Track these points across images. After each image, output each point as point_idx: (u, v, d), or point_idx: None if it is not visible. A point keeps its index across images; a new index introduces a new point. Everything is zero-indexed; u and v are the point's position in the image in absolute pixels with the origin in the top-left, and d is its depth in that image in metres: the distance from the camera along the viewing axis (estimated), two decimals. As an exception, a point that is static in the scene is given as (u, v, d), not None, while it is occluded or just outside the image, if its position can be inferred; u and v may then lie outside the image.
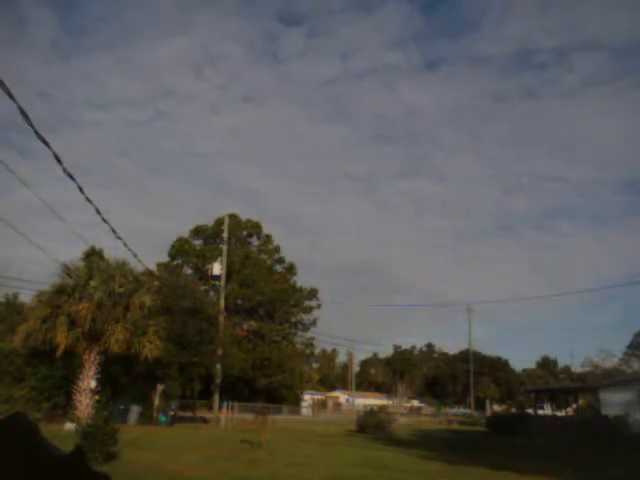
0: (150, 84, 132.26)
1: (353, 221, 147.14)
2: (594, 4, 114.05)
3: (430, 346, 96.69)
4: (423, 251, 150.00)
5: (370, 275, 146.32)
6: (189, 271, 52.05)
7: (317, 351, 79.74)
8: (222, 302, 36.72)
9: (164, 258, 52.41)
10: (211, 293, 46.90)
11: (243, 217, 55.82)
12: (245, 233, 56.13)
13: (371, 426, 30.32)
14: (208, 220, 54.72)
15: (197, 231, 54.55)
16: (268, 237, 56.83)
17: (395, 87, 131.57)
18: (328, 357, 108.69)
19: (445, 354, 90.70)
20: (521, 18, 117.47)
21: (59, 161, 10.06)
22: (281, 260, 57.03)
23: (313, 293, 56.43)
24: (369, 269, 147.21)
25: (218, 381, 34.11)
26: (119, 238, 16.06)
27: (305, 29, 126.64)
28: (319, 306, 56.61)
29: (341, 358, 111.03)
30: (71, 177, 10.96)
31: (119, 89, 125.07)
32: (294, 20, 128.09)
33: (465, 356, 75.74)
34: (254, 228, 56.36)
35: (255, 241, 57.14)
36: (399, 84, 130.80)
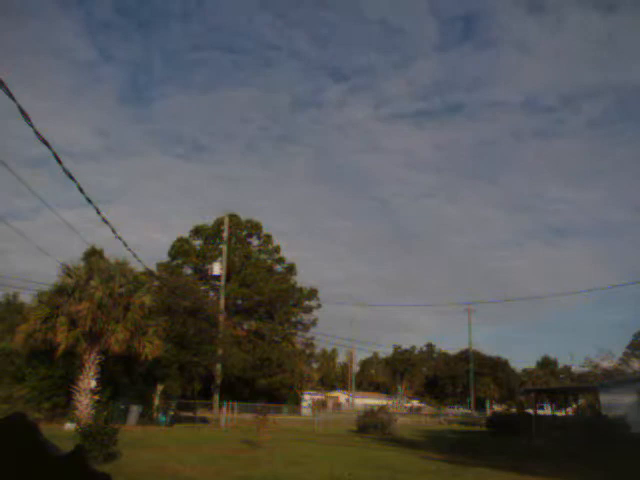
0: (196, 124, 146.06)
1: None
2: (596, 58, 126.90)
3: (430, 346, 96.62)
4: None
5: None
6: (189, 271, 52.04)
7: (317, 351, 79.79)
8: (222, 302, 36.75)
9: (164, 258, 52.49)
10: (211, 293, 46.90)
11: (243, 217, 55.88)
12: (245, 233, 56.14)
13: (371, 426, 30.29)
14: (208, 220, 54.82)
15: (197, 231, 54.55)
16: (268, 237, 56.84)
17: (422, 126, 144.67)
18: (328, 357, 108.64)
19: (445, 354, 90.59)
20: (532, 72, 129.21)
21: (59, 161, 10.06)
22: (281, 260, 57.04)
23: (313, 293, 56.44)
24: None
25: (218, 381, 34.13)
26: (119, 238, 16.05)
27: (349, 84, 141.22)
28: (319, 306, 56.69)
29: (341, 358, 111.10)
30: (71, 177, 10.95)
31: (165, 128, 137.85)
32: (342, 76, 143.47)
33: (465, 356, 75.69)
34: (254, 228, 56.35)
35: (255, 241, 57.19)
36: (426, 124, 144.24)
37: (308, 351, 62.62)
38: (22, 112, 8.23)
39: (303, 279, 63.29)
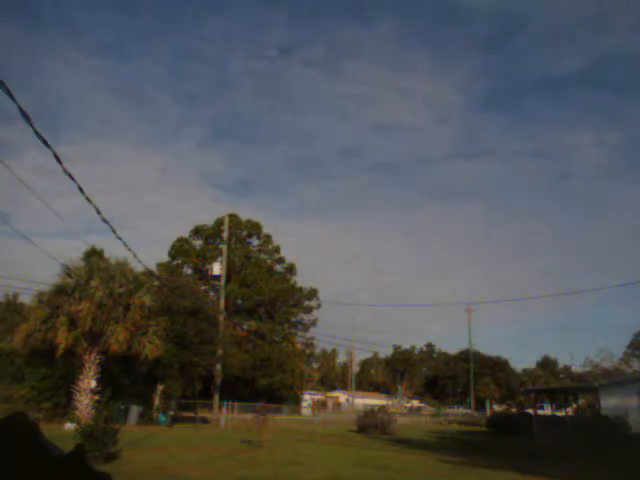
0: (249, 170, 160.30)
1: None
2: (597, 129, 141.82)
3: (430, 346, 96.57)
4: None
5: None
6: (189, 271, 52.02)
7: (317, 351, 79.80)
8: (222, 302, 36.72)
9: (164, 258, 52.46)
10: (211, 293, 46.89)
11: (243, 217, 55.88)
12: (245, 233, 56.12)
13: (371, 426, 30.28)
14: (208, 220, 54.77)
15: (197, 231, 54.52)
16: (268, 237, 56.81)
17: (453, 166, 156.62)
18: (328, 357, 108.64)
19: (445, 354, 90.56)
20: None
21: (59, 161, 10.06)
22: (281, 260, 57.02)
23: (313, 293, 56.42)
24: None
25: (218, 381, 34.10)
26: (119, 238, 16.05)
27: (391, 137, 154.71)
28: (319, 306, 56.65)
29: (341, 358, 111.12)
30: (71, 177, 10.95)
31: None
32: (385, 130, 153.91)
33: (465, 356, 75.66)
34: (254, 228, 56.33)
35: (255, 241, 57.16)
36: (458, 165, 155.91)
37: (308, 351, 62.61)
38: (22, 112, 8.24)
39: (304, 280, 63.39)
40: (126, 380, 28.56)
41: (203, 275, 47.90)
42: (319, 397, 67.48)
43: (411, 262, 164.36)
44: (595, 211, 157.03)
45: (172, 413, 29.71)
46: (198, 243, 54.40)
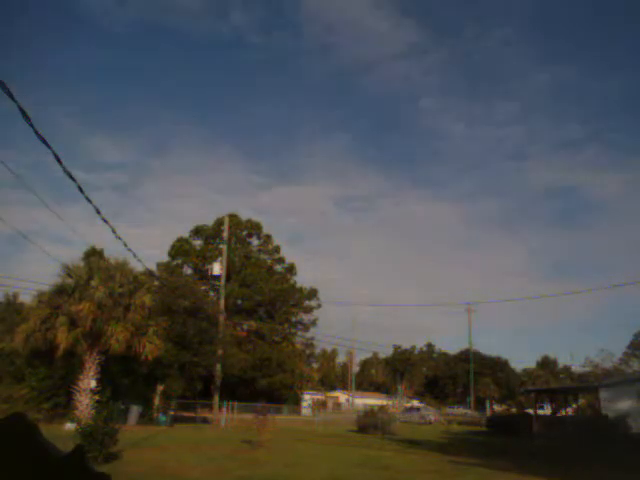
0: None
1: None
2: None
3: (430, 346, 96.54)
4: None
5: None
6: (189, 271, 52.03)
7: (317, 351, 79.80)
8: (222, 302, 36.70)
9: (164, 258, 52.45)
10: (211, 293, 46.89)
11: (243, 217, 55.87)
12: (245, 233, 56.12)
13: (371, 426, 30.30)
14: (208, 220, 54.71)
15: (197, 231, 54.52)
16: (268, 237, 56.81)
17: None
18: (328, 357, 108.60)
19: (445, 354, 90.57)
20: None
21: (59, 161, 10.06)
22: (281, 260, 57.02)
23: (313, 293, 56.42)
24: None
25: (218, 381, 34.08)
26: (119, 238, 16.04)
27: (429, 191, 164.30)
28: (319, 306, 56.66)
29: (341, 358, 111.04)
30: (71, 177, 10.95)
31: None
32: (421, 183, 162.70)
33: (465, 356, 75.66)
34: (254, 228, 56.33)
35: (255, 241, 57.18)
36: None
37: (308, 351, 62.63)
38: (22, 112, 8.23)
39: (303, 280, 63.25)
40: (126, 380, 28.55)
41: (203, 275, 47.89)
42: (319, 397, 67.43)
43: (412, 263, 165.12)
44: (594, 214, 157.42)
45: (172, 413, 29.69)
46: (198, 243, 54.42)
